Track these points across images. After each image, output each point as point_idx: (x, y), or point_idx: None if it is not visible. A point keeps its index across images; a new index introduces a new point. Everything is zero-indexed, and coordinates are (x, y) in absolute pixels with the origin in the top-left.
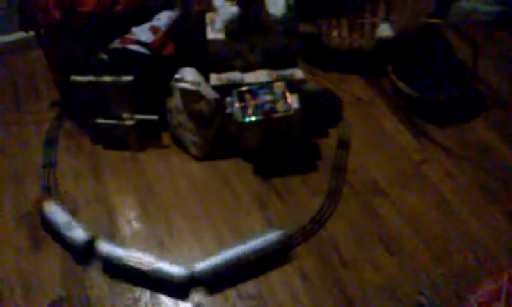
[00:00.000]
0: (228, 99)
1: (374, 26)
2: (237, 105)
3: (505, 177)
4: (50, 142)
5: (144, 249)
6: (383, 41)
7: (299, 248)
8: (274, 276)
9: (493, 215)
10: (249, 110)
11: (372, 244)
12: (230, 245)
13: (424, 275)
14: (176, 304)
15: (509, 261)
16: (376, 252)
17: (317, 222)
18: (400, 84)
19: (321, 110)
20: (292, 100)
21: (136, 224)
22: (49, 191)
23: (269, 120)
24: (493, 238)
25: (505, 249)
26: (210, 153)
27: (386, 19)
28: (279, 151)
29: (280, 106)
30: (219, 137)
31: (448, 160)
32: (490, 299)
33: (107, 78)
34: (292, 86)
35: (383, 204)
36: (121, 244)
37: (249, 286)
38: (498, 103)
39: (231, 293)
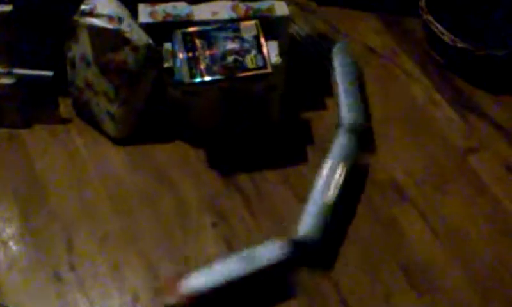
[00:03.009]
0: (168, 46)
1: None
2: (181, 56)
3: None
4: None
5: (29, 288)
6: None
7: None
8: None
9: None
10: (202, 65)
11: (392, 277)
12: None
13: None
14: None
15: None
16: (397, 289)
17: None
18: (439, 28)
19: (314, 68)
20: (271, 50)
21: (14, 247)
22: None
23: (234, 82)
24: None
25: None
26: (138, 132)
27: None
28: (248, 131)
29: (250, 60)
30: (151, 107)
31: (509, 148)
32: None
33: None
34: (271, 27)
35: (408, 217)
36: None
37: None
38: None
39: None
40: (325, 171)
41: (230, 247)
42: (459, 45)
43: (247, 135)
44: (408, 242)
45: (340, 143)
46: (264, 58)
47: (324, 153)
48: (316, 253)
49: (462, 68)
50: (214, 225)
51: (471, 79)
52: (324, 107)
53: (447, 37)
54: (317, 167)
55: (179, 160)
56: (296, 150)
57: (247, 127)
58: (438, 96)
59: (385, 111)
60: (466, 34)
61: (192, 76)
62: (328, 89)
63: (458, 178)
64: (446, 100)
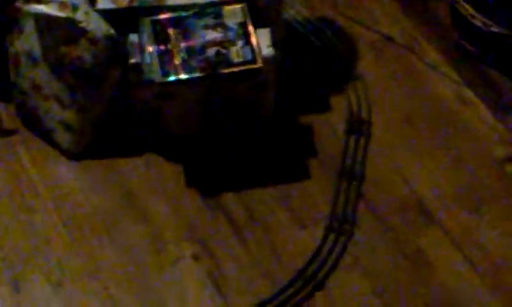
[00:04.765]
0: (134, 38)
1: None
2: (151, 49)
3: None
4: None
5: None
6: None
7: None
8: None
9: None
10: (176, 61)
11: None
12: None
13: None
14: None
15: None
16: None
17: (310, 280)
18: (469, 11)
19: (314, 61)
20: (261, 41)
21: None
22: None
23: (216, 80)
24: None
25: None
26: (98, 145)
27: None
28: (235, 139)
29: (236, 52)
30: (115, 113)
31: None
32: None
33: None
34: (260, 13)
35: (433, 243)
36: None
37: None
38: None
39: None
40: None
41: (217, 285)
42: (494, 29)
43: (234, 145)
44: (438, 277)
45: None
46: (252, 50)
47: (330, 165)
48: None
49: (498, 58)
50: (195, 258)
51: (509, 72)
52: (327, 107)
53: (479, 21)
54: (323, 183)
55: (151, 177)
56: (295, 162)
57: (233, 135)
58: (469, 94)
59: (405, 113)
60: (503, 16)
61: (165, 74)
62: (332, 85)
63: (497, 196)
64: (480, 99)
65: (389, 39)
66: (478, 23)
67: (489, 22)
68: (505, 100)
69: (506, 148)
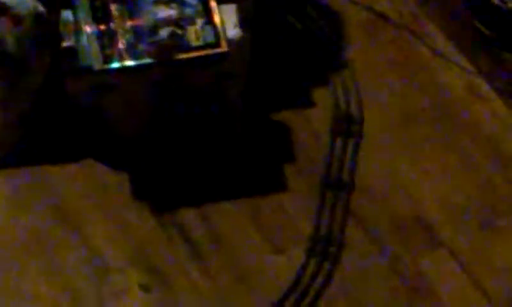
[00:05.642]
0: (67, 15)
1: None
2: (89, 30)
3: None
4: None
5: None
6: None
7: None
8: None
9: None
10: (121, 44)
11: None
12: None
13: None
14: None
15: None
16: None
17: None
18: None
19: (294, 45)
20: (226, 19)
21: None
22: None
23: (170, 68)
24: None
25: None
26: (23, 150)
27: None
28: (195, 142)
29: (195, 33)
30: (44, 110)
31: None
32: None
33: None
34: None
35: (438, 267)
36: None
37: None
38: None
39: None
40: None
41: None
42: None
43: (193, 149)
44: None
45: None
46: (215, 31)
47: (311, 173)
48: None
49: None
50: (145, 289)
51: None
52: (309, 102)
53: None
54: (303, 195)
55: (90, 189)
56: (269, 171)
57: (193, 137)
58: (483, 86)
59: (404, 109)
60: None
61: (107, 60)
62: (315, 75)
63: None
64: (495, 91)
65: (385, 18)
66: (495, 0)
67: None
68: None
69: None
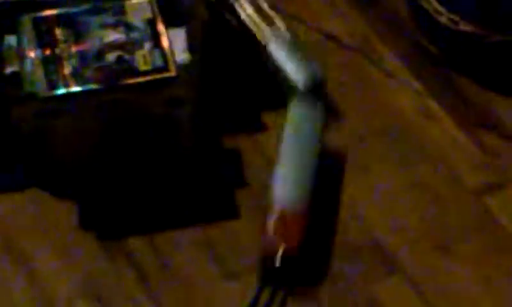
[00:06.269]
0: (10, 40)
1: None
2: (33, 55)
3: None
4: None
5: None
6: None
7: None
8: None
9: None
10: (66, 69)
11: None
12: None
13: None
14: None
15: None
16: None
17: None
18: (433, 5)
19: (247, 67)
20: (175, 43)
21: None
22: None
23: (117, 93)
24: None
25: None
26: None
27: None
28: (144, 169)
29: (143, 58)
30: None
31: None
32: None
33: None
34: (175, 6)
35: (392, 292)
36: None
37: None
38: None
39: None
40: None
41: None
42: (463, 28)
43: (142, 176)
44: None
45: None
46: (164, 54)
47: (263, 198)
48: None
49: (467, 62)
50: None
51: (481, 78)
52: (260, 127)
53: (444, 17)
54: (255, 221)
55: (36, 219)
56: (220, 197)
57: (141, 164)
58: (434, 105)
59: (358, 132)
60: (473, 11)
61: (52, 86)
62: (265, 100)
63: (472, 234)
64: (446, 111)
65: (336, 40)
66: (444, 21)
67: (457, 19)
68: (477, 112)
69: (481, 173)
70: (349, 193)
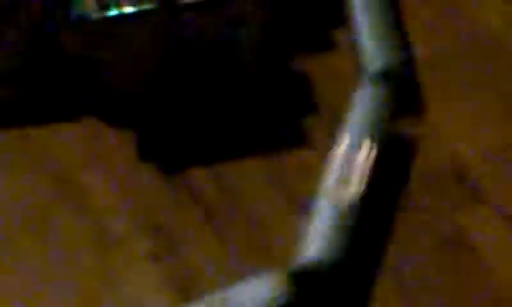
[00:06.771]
0: None
1: None
2: None
3: None
4: None
5: None
6: None
7: None
8: None
9: None
10: None
11: None
12: None
13: None
14: None
15: None
16: None
17: None
18: None
19: None
20: None
21: None
22: None
23: (175, 14)
24: None
25: None
26: (13, 108)
27: None
28: (206, 96)
29: None
30: (31, 66)
31: None
32: None
33: None
34: None
35: (486, 224)
36: None
37: None
38: None
39: None
40: (341, 153)
41: (186, 293)
42: None
43: (204, 104)
44: (491, 267)
45: (365, 104)
46: None
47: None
48: (332, 289)
49: None
50: (154, 258)
51: None
52: (334, 49)
53: None
54: (327, 152)
55: (91, 151)
56: (289, 126)
57: (202, 91)
58: None
59: (438, 49)
60: None
61: (103, 8)
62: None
63: None
64: None
65: None
66: None
67: None
68: None
69: None
70: (430, 120)
